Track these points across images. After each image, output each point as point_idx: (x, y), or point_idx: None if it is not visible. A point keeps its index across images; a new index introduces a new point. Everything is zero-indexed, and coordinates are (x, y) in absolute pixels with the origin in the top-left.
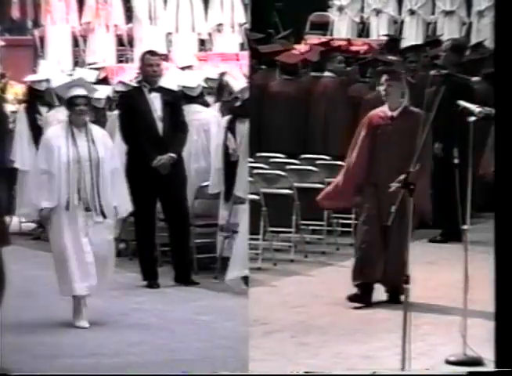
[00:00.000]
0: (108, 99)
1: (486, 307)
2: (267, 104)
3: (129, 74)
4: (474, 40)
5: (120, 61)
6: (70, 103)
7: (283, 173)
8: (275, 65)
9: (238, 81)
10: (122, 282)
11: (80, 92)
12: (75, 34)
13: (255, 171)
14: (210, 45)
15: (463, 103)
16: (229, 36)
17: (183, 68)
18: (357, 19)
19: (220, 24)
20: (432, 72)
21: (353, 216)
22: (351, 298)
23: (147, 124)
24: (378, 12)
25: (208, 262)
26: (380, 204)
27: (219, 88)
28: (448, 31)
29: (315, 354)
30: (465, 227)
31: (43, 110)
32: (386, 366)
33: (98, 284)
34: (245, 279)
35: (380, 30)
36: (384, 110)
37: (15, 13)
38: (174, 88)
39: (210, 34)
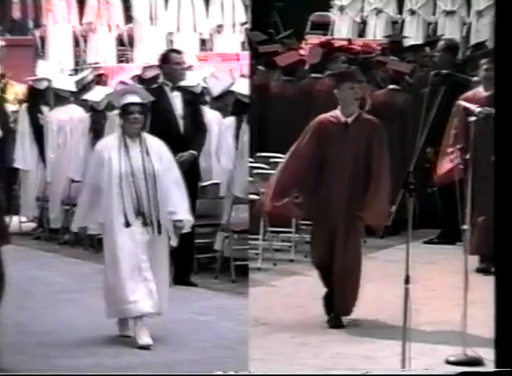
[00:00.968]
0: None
1: (486, 307)
2: (267, 104)
3: (129, 74)
4: (473, 40)
5: (121, 61)
6: (124, 111)
7: None
8: (276, 65)
9: (221, 82)
10: None
11: (134, 99)
12: (76, 34)
13: (255, 171)
14: (210, 45)
15: (463, 102)
16: (230, 36)
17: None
18: (358, 19)
19: (220, 24)
20: (432, 72)
21: None
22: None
23: (169, 122)
24: (378, 11)
25: (208, 262)
26: (330, 216)
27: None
28: (449, 31)
29: (315, 354)
30: (465, 227)
31: (45, 109)
32: (386, 366)
33: (159, 301)
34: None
35: (377, 30)
36: (336, 115)
37: (15, 13)
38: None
39: (210, 34)
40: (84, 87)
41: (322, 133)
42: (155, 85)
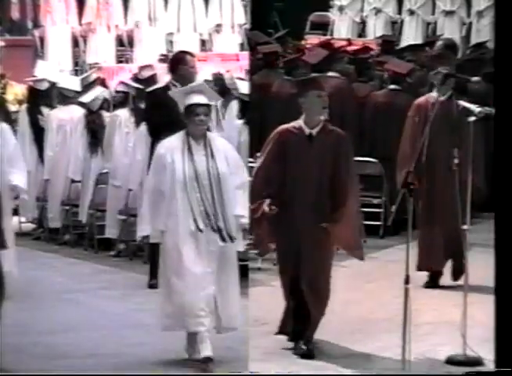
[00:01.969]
0: (105, 100)
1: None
2: (267, 104)
3: (128, 74)
4: (473, 40)
5: (120, 61)
6: (189, 112)
7: None
8: (275, 65)
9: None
10: (122, 282)
11: (200, 99)
12: (75, 35)
13: None
14: (210, 46)
15: (463, 102)
16: (229, 36)
17: None
18: (357, 19)
19: (220, 25)
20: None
21: None
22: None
23: (176, 122)
24: (378, 11)
25: None
26: (293, 234)
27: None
28: (449, 31)
29: (315, 354)
30: (465, 227)
31: (45, 110)
32: (386, 367)
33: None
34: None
35: (377, 30)
36: (299, 126)
37: (15, 14)
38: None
39: (210, 35)
40: (86, 87)
41: (282, 146)
42: (161, 85)
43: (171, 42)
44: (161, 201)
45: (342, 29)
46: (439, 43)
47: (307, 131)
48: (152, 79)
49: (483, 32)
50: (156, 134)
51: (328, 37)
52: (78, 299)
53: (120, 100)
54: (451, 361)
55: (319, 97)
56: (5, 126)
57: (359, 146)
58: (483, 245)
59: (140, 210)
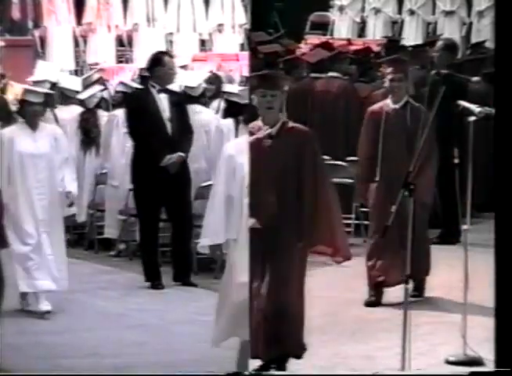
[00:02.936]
0: (103, 99)
1: (486, 307)
2: None
3: (128, 74)
4: (473, 40)
5: (120, 61)
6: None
7: None
8: (275, 65)
9: None
10: (122, 282)
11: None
12: (75, 35)
13: None
14: (210, 46)
15: (463, 102)
16: (230, 36)
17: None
18: (357, 19)
19: (220, 24)
20: (432, 72)
21: (353, 216)
22: None
23: (157, 125)
24: (377, 11)
25: (208, 262)
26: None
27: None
28: (449, 31)
29: (315, 354)
30: (465, 227)
31: None
32: (386, 367)
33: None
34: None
35: (377, 30)
36: (258, 126)
37: (15, 14)
38: (177, 89)
39: (210, 35)
40: (87, 87)
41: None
42: (140, 87)
43: (171, 42)
44: (232, 206)
45: (342, 29)
46: (440, 43)
47: (265, 130)
48: None
49: (483, 32)
50: (137, 136)
51: (328, 37)
52: (78, 299)
53: (120, 100)
54: (451, 361)
55: (263, 97)
56: (59, 132)
57: None
58: (483, 245)
59: (208, 217)
